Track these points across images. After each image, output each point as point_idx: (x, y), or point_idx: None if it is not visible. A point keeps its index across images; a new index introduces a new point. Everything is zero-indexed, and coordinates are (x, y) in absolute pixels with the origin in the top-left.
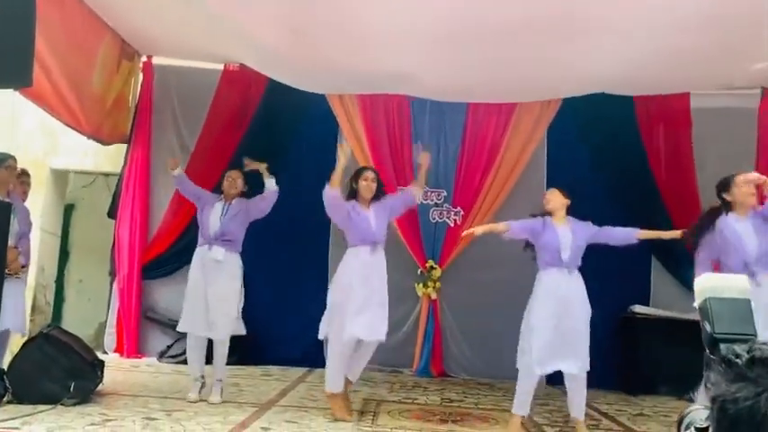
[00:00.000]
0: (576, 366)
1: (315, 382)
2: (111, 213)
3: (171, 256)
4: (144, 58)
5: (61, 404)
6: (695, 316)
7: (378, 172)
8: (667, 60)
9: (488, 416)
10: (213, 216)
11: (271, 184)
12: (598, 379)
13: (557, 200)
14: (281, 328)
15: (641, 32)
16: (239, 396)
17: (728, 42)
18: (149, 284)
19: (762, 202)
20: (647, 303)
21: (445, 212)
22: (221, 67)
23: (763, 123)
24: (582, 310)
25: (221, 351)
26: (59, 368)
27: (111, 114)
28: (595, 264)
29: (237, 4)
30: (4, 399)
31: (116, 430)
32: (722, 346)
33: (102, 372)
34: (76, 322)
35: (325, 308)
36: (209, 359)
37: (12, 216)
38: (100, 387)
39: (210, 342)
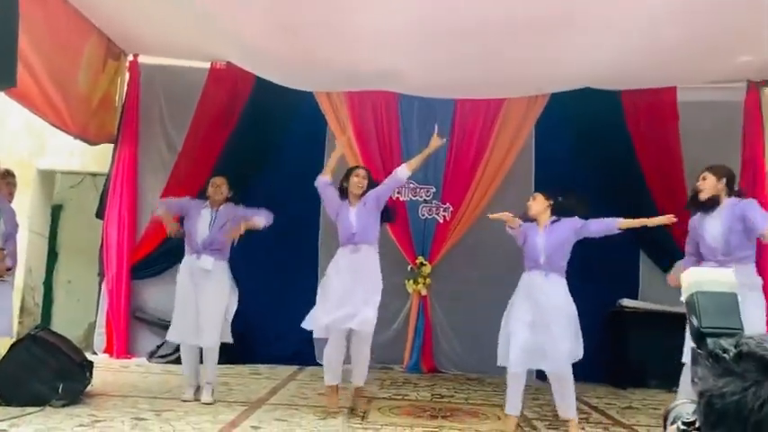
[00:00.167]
0: (550, 365)
1: (305, 380)
2: (99, 214)
3: (159, 256)
4: (130, 57)
5: (50, 405)
6: (684, 309)
7: (369, 171)
8: (654, 55)
9: (478, 411)
10: (201, 224)
11: (260, 224)
12: (587, 372)
13: (537, 206)
14: (270, 326)
15: (628, 27)
16: (229, 395)
17: (714, 36)
18: (138, 284)
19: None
20: (635, 297)
21: (434, 209)
22: (208, 65)
23: (749, 116)
24: (559, 312)
25: (212, 357)
26: (47, 369)
27: (98, 114)
28: (584, 258)
29: (225, 1)
30: None
31: (105, 431)
32: (709, 341)
33: (91, 372)
34: (66, 323)
35: (314, 306)
36: (202, 358)
37: None
38: (89, 388)
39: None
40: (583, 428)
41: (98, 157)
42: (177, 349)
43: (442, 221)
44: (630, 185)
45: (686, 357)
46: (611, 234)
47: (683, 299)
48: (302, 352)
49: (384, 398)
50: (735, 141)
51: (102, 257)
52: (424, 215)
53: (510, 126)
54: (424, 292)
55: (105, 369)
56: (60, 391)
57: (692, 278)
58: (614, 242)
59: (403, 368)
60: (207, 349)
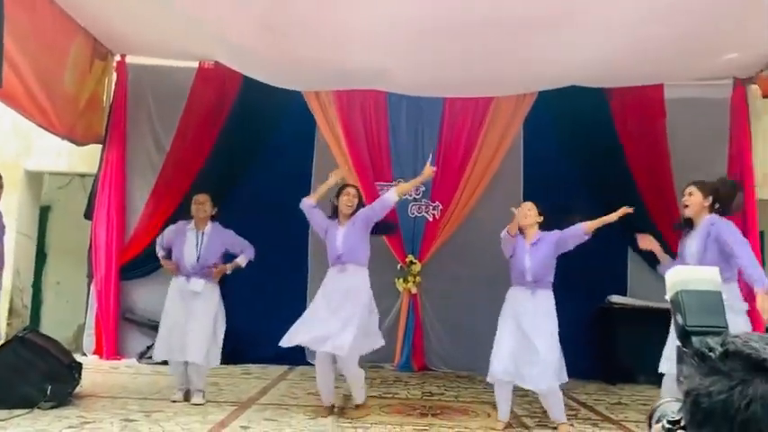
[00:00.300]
0: (533, 384)
1: (295, 379)
2: (88, 214)
3: (148, 257)
4: (117, 58)
5: (38, 408)
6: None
7: (360, 189)
8: (641, 53)
9: (468, 408)
10: (188, 248)
11: (243, 263)
12: (577, 369)
13: (531, 217)
14: (260, 326)
15: (615, 25)
16: (219, 395)
17: (701, 34)
18: (127, 285)
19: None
20: (624, 293)
21: (424, 207)
22: (196, 65)
23: (735, 112)
24: (542, 330)
25: (198, 370)
26: (36, 371)
27: (85, 115)
28: (573, 255)
29: (212, 1)
30: None
31: None
32: (695, 339)
33: (80, 374)
34: (55, 325)
35: (304, 305)
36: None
37: None
38: (78, 389)
39: None
40: (572, 425)
41: (86, 158)
42: None
43: (431, 220)
44: (618, 182)
45: (664, 367)
46: (584, 241)
47: (667, 297)
48: (292, 352)
49: (374, 396)
50: (721, 138)
51: (90, 258)
52: (413, 213)
53: (498, 125)
54: (414, 291)
55: (95, 370)
56: (48, 393)
57: (677, 277)
58: (602, 239)
59: (393, 366)
60: (192, 363)
